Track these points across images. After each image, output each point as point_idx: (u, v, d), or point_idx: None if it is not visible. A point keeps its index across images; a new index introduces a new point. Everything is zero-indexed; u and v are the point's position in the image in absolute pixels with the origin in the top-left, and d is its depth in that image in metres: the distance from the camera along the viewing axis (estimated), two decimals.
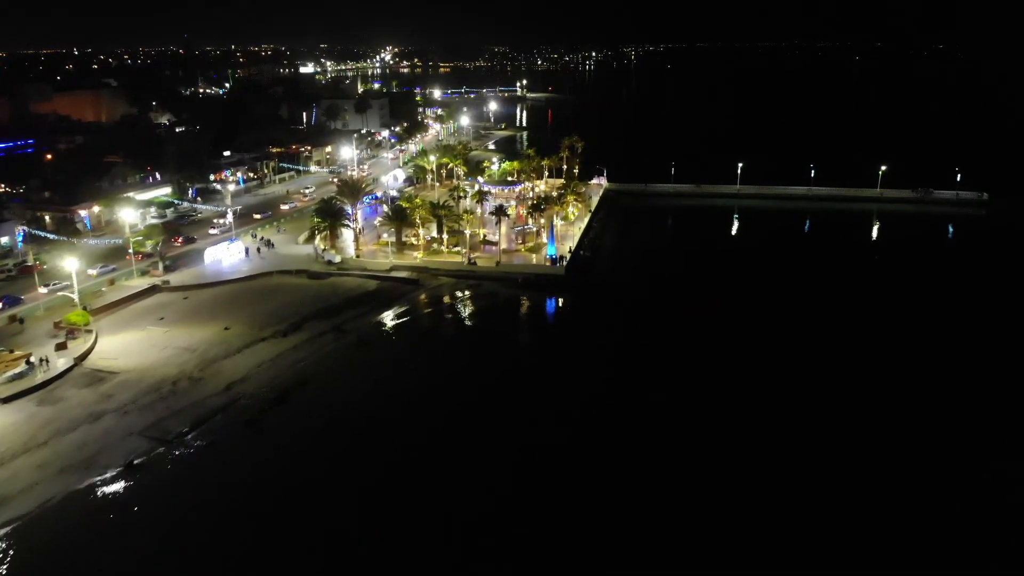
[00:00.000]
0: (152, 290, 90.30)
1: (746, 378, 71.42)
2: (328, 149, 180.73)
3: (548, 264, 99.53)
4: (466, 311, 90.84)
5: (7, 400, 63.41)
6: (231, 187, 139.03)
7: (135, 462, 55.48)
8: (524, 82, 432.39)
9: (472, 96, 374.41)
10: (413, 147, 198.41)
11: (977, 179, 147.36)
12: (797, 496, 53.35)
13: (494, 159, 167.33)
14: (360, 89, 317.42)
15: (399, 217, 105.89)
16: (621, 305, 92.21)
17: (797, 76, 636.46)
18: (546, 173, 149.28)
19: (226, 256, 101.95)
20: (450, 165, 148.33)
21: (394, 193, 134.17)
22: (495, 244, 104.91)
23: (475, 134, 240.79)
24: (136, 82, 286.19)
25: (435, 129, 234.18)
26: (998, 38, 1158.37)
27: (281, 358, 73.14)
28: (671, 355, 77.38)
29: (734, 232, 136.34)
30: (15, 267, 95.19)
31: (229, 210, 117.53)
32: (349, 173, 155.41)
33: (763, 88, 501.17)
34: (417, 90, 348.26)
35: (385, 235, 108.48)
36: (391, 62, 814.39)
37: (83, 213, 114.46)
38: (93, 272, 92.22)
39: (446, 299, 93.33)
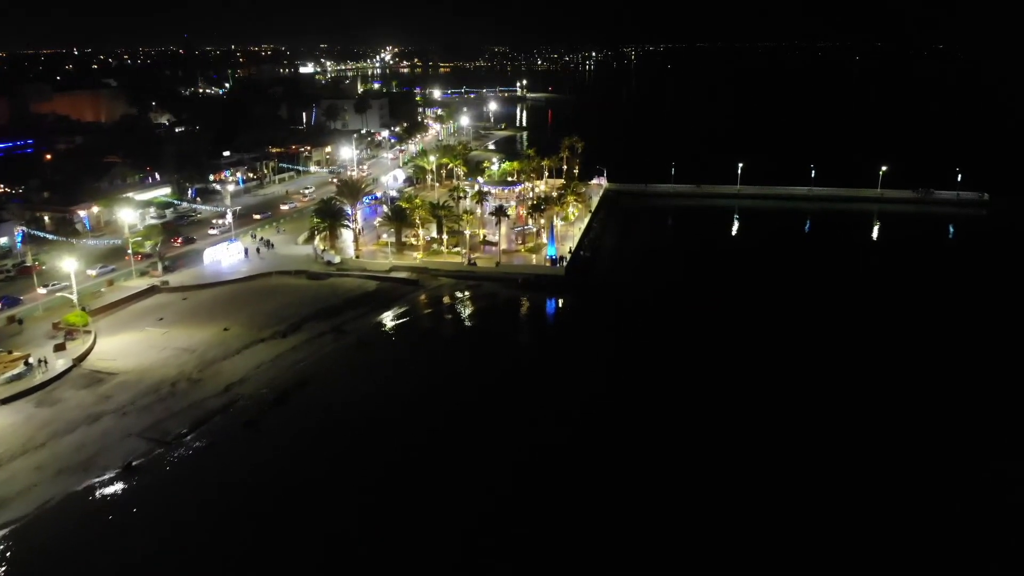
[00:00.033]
0: (151, 291, 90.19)
1: (746, 378, 71.32)
2: (328, 149, 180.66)
3: (548, 264, 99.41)
4: (466, 312, 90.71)
5: (5, 401, 63.30)
6: (230, 187, 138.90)
7: (134, 463, 55.36)
8: (524, 82, 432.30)
9: (472, 96, 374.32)
10: (413, 147, 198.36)
11: (978, 179, 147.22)
12: (797, 496, 53.27)
13: (494, 159, 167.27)
14: (360, 89, 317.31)
15: (399, 217, 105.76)
16: (621, 305, 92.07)
17: (797, 76, 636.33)
18: (546, 173, 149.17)
19: (225, 257, 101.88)
20: (450, 165, 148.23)
21: (394, 193, 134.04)
22: (495, 244, 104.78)
23: (475, 134, 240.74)
24: (136, 82, 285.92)
25: (435, 129, 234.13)
26: (998, 38, 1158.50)
27: (280, 359, 73.03)
28: (671, 355, 77.24)
29: (734, 232, 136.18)
30: (14, 267, 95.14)
31: (228, 210, 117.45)
32: (349, 173, 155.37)
33: (763, 88, 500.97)
34: (417, 90, 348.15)
35: (385, 235, 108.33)
36: (391, 62, 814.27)
37: (82, 213, 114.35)
38: (92, 273, 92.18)
39: (446, 300, 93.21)
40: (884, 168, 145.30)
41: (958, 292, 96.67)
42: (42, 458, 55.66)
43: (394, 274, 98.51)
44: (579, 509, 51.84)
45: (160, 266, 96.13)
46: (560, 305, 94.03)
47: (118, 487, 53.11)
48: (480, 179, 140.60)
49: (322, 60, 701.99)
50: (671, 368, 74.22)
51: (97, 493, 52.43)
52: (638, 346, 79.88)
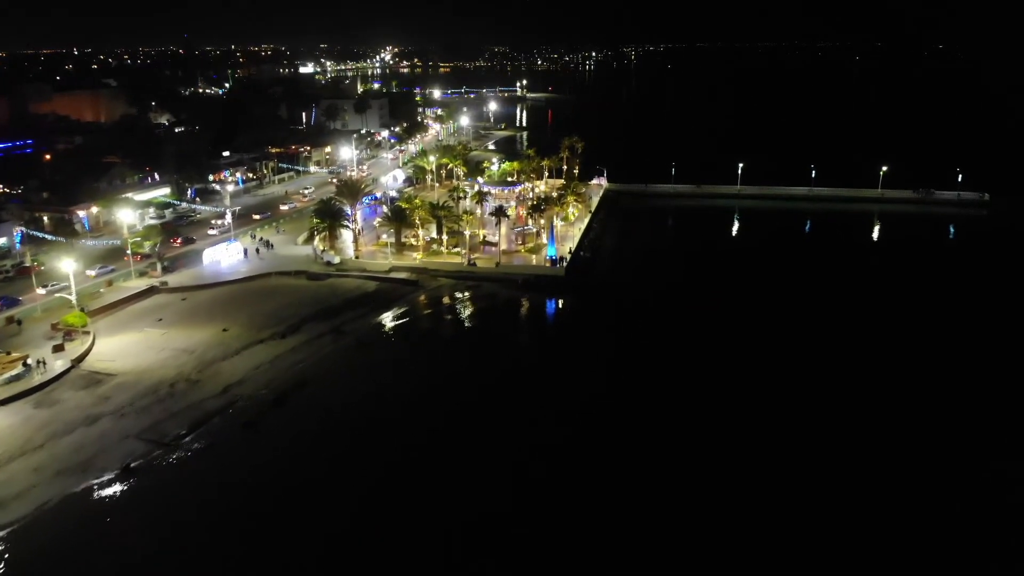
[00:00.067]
0: (150, 291, 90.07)
1: (747, 378, 71.21)
2: (327, 149, 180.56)
3: (548, 265, 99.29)
4: (466, 312, 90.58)
5: (4, 402, 63.16)
6: (230, 187, 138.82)
7: (132, 465, 55.22)
8: (524, 82, 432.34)
9: (472, 96, 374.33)
10: (413, 147, 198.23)
11: (978, 179, 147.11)
12: (797, 496, 53.17)
13: (494, 159, 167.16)
14: (360, 89, 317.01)
15: (398, 218, 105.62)
16: (621, 306, 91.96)
17: (797, 76, 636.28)
18: (546, 173, 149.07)
19: (225, 257, 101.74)
20: (450, 165, 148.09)
21: (393, 194, 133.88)
22: (495, 245, 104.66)
23: (475, 134, 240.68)
24: (136, 82, 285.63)
25: (435, 129, 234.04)
26: (998, 38, 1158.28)
27: (280, 360, 72.89)
28: (671, 356, 77.12)
29: (735, 233, 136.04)
30: (13, 268, 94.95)
31: (228, 211, 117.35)
32: (348, 173, 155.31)
33: (763, 88, 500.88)
34: (417, 90, 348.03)
35: (384, 236, 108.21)
36: (391, 62, 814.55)
37: (81, 214, 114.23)
38: (91, 273, 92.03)
39: (446, 300, 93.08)
40: (884, 168, 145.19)
41: (958, 292, 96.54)
42: (40, 459, 55.53)
43: (394, 275, 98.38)
44: (579, 509, 51.73)
45: (159, 266, 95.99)
46: (560, 305, 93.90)
47: (116, 489, 52.97)
48: (480, 179, 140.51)
49: (322, 60, 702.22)
50: (671, 368, 74.11)
51: (95, 495, 52.28)
52: (638, 346, 79.76)
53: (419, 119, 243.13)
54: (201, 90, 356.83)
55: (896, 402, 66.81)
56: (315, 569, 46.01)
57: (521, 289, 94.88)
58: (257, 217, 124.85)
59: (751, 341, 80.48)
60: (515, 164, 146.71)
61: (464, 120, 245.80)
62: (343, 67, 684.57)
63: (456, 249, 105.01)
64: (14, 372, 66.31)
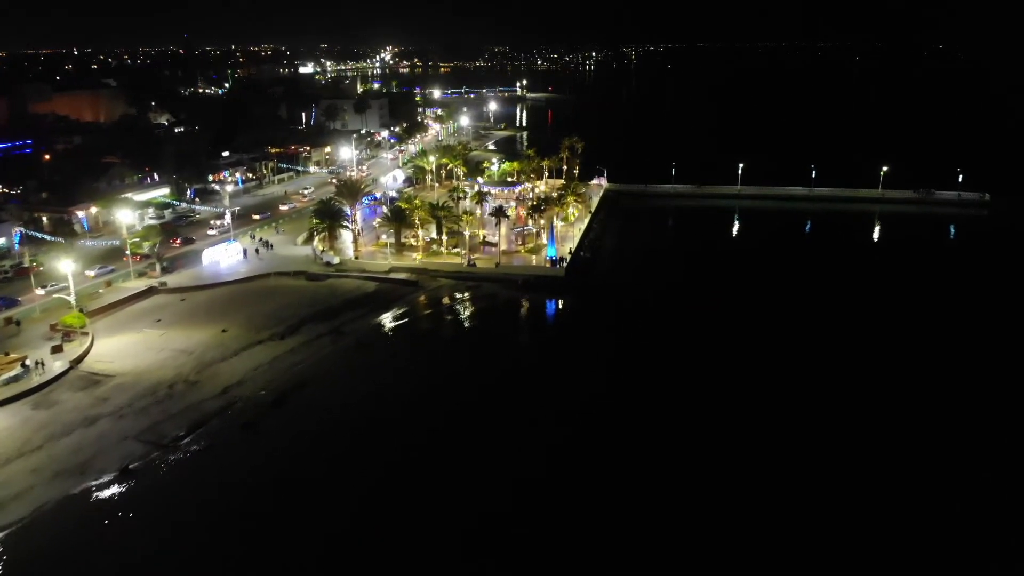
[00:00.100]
0: (149, 292, 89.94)
1: (747, 379, 71.08)
2: (327, 149, 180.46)
3: (548, 265, 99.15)
4: (466, 312, 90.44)
5: (3, 403, 63.04)
6: (229, 188, 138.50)
7: (130, 467, 55.07)
8: (524, 82, 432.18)
9: (472, 96, 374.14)
10: (413, 147, 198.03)
11: (978, 180, 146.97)
12: (797, 496, 53.05)
13: (494, 159, 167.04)
14: (360, 89, 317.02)
15: (398, 218, 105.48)
16: (621, 306, 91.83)
17: (797, 76, 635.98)
18: (546, 174, 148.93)
19: (224, 257, 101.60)
20: (450, 166, 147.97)
21: (393, 194, 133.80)
22: (495, 245, 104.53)
23: (475, 134, 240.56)
24: (135, 82, 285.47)
25: (435, 129, 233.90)
26: (998, 38, 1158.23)
27: (279, 360, 72.75)
28: (671, 356, 76.99)
29: (735, 233, 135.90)
30: (12, 268, 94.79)
31: (227, 211, 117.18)
32: (348, 174, 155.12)
33: (764, 88, 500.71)
34: (417, 90, 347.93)
35: (384, 236, 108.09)
36: (391, 62, 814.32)
37: (81, 214, 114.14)
38: (90, 273, 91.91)
39: (445, 300, 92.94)
40: (885, 168, 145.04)
41: (959, 292, 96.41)
42: (39, 460, 55.41)
43: (393, 275, 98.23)
44: (579, 509, 51.63)
45: (158, 267, 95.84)
46: (560, 306, 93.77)
47: (114, 490, 52.82)
48: (480, 179, 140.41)
49: (322, 60, 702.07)
50: (671, 368, 73.99)
51: (93, 496, 52.13)
52: (638, 346, 79.64)
53: (419, 119, 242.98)
54: (201, 90, 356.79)
55: (896, 402, 66.69)
56: (315, 569, 45.93)
57: (521, 289, 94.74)
58: (256, 217, 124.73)
59: (751, 341, 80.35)
60: (515, 164, 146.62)
61: (464, 120, 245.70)
62: (343, 67, 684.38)
63: (456, 249, 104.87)
64: (12, 373, 66.19)
